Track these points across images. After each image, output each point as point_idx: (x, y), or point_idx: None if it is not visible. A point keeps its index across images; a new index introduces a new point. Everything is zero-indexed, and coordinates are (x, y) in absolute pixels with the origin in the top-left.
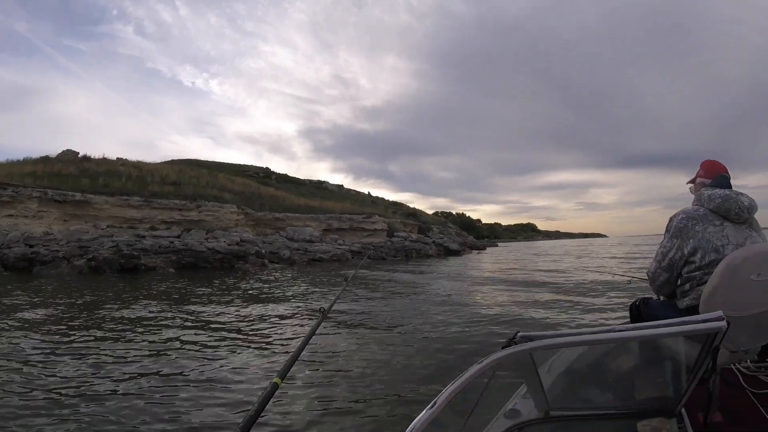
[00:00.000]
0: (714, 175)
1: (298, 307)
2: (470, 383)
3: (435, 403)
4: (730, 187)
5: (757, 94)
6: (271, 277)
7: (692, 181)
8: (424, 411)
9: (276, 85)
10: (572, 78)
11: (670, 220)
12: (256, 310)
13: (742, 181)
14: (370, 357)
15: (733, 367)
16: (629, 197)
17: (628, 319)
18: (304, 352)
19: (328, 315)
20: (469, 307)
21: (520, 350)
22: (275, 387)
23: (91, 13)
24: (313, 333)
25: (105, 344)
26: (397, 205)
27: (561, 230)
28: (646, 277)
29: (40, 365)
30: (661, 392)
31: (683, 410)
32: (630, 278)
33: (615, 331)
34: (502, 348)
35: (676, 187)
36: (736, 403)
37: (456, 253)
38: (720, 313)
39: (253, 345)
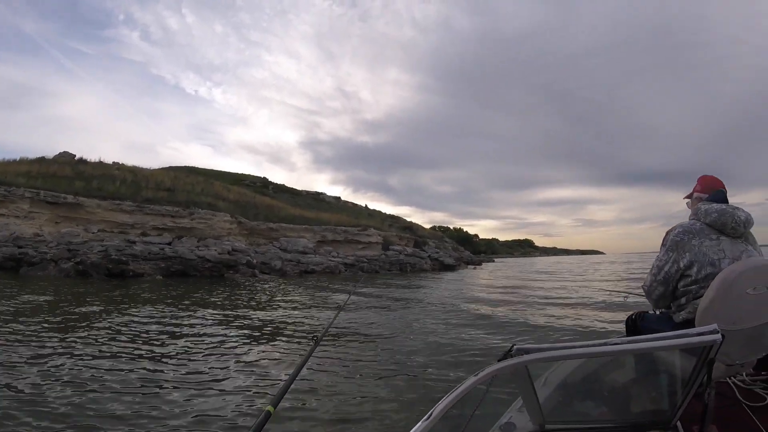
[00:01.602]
0: (711, 190)
1: (288, 325)
2: (466, 396)
3: (431, 414)
4: (726, 201)
5: (756, 112)
6: (260, 289)
7: (689, 196)
8: (419, 422)
9: (278, 95)
10: (572, 93)
11: (667, 233)
12: (245, 326)
13: (740, 199)
14: (365, 384)
15: (729, 381)
16: (627, 214)
17: (625, 333)
18: (297, 377)
19: (321, 342)
20: (461, 327)
21: (516, 363)
22: (268, 415)
23: (97, 16)
24: (305, 361)
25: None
26: (393, 219)
27: (558, 246)
28: (642, 291)
29: None
30: (657, 405)
31: (678, 423)
32: (626, 294)
33: (610, 344)
34: (498, 361)
35: (674, 205)
36: (732, 416)
37: (451, 268)
38: (715, 326)
39: (243, 369)
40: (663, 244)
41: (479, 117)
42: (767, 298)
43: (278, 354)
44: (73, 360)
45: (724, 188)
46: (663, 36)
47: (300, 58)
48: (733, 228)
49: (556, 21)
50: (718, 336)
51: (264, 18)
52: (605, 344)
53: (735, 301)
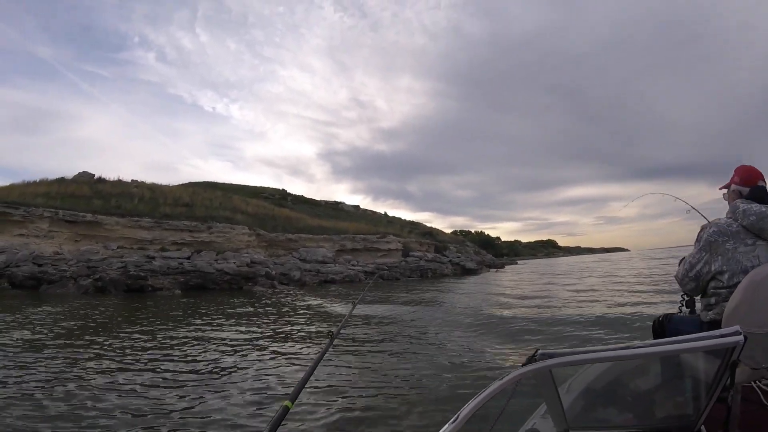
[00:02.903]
0: (750, 183)
1: (306, 328)
2: (492, 400)
3: (457, 417)
4: (767, 199)
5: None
6: (279, 300)
7: (726, 187)
8: (447, 425)
9: (294, 108)
10: (584, 91)
11: (702, 229)
12: (262, 331)
13: None
14: (381, 380)
15: (754, 385)
16: (649, 210)
17: (651, 336)
18: (314, 375)
19: (337, 338)
20: (479, 328)
21: (540, 367)
22: (286, 410)
23: (112, 39)
24: (322, 356)
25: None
26: (413, 225)
27: (582, 245)
28: (676, 282)
29: None
30: (681, 410)
31: (703, 428)
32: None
33: (632, 348)
34: (522, 365)
35: (695, 197)
36: (757, 421)
37: (473, 272)
38: (737, 327)
39: (261, 368)
40: (697, 241)
41: (493, 120)
42: None
43: (295, 354)
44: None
45: (764, 180)
46: (672, 28)
47: (314, 71)
48: None
49: (563, 20)
50: (741, 338)
51: (276, 33)
52: (627, 348)
53: (762, 303)
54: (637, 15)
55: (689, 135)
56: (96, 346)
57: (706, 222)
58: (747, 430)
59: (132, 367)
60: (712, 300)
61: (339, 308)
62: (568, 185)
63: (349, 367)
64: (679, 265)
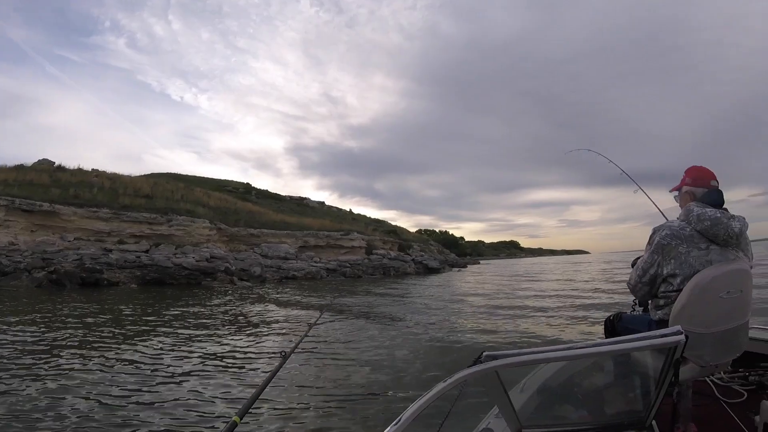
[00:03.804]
0: (703, 184)
1: (261, 333)
2: (438, 402)
3: (400, 419)
4: (722, 201)
5: (740, 112)
6: (236, 297)
7: (677, 189)
8: (389, 427)
9: (265, 101)
10: (557, 98)
11: (654, 232)
12: (212, 336)
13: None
14: (332, 394)
15: (707, 380)
16: (611, 214)
17: (603, 335)
18: (266, 390)
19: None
20: (434, 332)
21: (484, 369)
22: (234, 425)
23: (84, 23)
24: (274, 374)
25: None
26: (378, 223)
27: (544, 247)
28: (627, 288)
29: None
30: (632, 406)
31: (654, 423)
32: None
33: (577, 348)
34: (468, 367)
35: (653, 206)
36: (711, 414)
37: (436, 271)
38: (678, 327)
39: (209, 379)
40: (649, 243)
41: (466, 122)
42: (740, 302)
43: (247, 364)
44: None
45: (717, 180)
46: (647, 41)
47: (286, 64)
48: (725, 240)
49: (541, 27)
50: (682, 337)
51: (251, 24)
52: (571, 348)
53: (707, 304)
54: (614, 25)
55: (660, 143)
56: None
57: (658, 225)
58: (701, 423)
59: (60, 375)
60: (662, 302)
61: (298, 311)
62: (534, 188)
63: (302, 386)
64: (632, 268)
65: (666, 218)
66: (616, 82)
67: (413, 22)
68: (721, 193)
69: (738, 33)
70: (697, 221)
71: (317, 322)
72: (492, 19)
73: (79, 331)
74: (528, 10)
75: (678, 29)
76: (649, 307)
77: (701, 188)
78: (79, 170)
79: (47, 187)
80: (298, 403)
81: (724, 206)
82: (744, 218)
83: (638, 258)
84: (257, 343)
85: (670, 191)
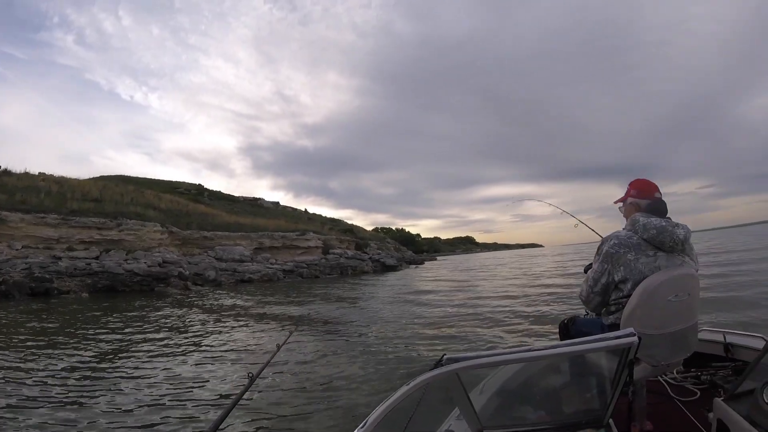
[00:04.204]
0: (647, 196)
1: (218, 349)
2: (401, 404)
3: (366, 422)
4: (666, 211)
5: (685, 109)
6: (190, 303)
7: (622, 200)
8: (356, 430)
9: (216, 99)
10: (508, 96)
11: (602, 242)
12: (171, 350)
13: (672, 188)
14: (304, 415)
15: (661, 379)
16: (564, 208)
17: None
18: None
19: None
20: (390, 340)
21: (446, 371)
22: None
23: (31, 18)
24: (240, 397)
25: None
26: (334, 222)
27: (499, 242)
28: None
29: None
30: (589, 405)
31: (611, 421)
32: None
33: (536, 350)
34: (430, 370)
35: (607, 198)
36: (666, 411)
37: (393, 269)
38: (631, 329)
39: (169, 402)
40: (597, 253)
41: (420, 119)
42: (688, 305)
43: (206, 385)
44: None
45: (660, 192)
46: (594, 40)
47: (238, 62)
48: (671, 246)
49: (492, 28)
50: (635, 339)
51: (203, 21)
52: (531, 350)
53: (656, 308)
54: (562, 25)
55: (606, 140)
56: None
57: (605, 236)
58: (657, 421)
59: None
60: (613, 308)
61: (261, 325)
62: (488, 184)
63: (271, 409)
64: (585, 274)
65: (595, 232)
66: (564, 81)
67: (367, 20)
68: (664, 203)
69: (680, 35)
70: (643, 230)
71: (287, 341)
72: (444, 18)
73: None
74: (478, 11)
75: (622, 31)
76: (602, 312)
77: (645, 199)
78: (26, 174)
79: None
80: (266, 424)
81: (668, 215)
82: (687, 226)
83: (590, 265)
84: (221, 361)
85: (615, 203)
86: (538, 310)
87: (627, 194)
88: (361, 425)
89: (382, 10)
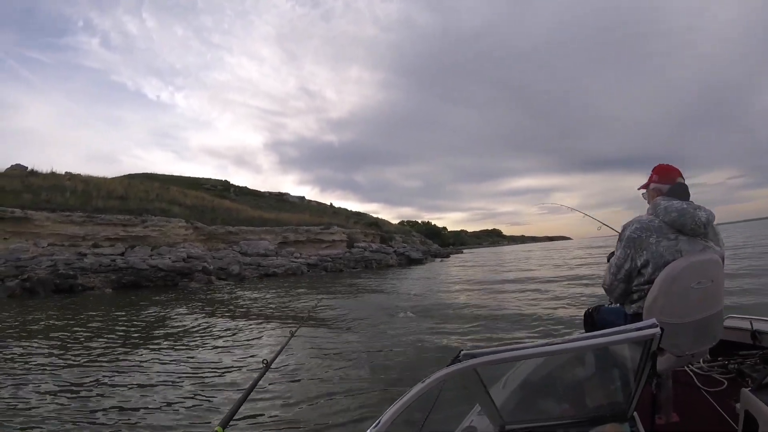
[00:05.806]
0: (669, 180)
1: (239, 340)
2: (417, 403)
3: (379, 421)
4: (688, 195)
5: (712, 97)
6: (212, 298)
7: (645, 187)
8: (369, 429)
9: (241, 97)
10: (530, 86)
11: (623, 228)
12: (191, 343)
13: (700, 179)
14: (315, 407)
15: (687, 369)
16: (591, 200)
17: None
18: (247, 400)
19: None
20: (415, 332)
21: (462, 367)
22: None
23: (55, 24)
24: (256, 383)
25: None
26: (359, 216)
27: (526, 234)
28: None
29: None
30: (613, 398)
31: (635, 414)
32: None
33: (553, 344)
34: (446, 366)
35: (634, 189)
36: (692, 402)
37: (418, 262)
38: (653, 320)
39: (189, 389)
40: (619, 239)
41: (442, 111)
42: (712, 292)
43: (227, 374)
44: None
45: (683, 177)
46: (618, 28)
47: (262, 59)
48: (693, 229)
49: (513, 17)
50: (657, 330)
51: (225, 20)
52: (549, 344)
53: (679, 295)
54: (583, 13)
55: (630, 129)
56: None
57: (627, 221)
58: (683, 412)
59: (33, 387)
60: (635, 296)
61: (279, 314)
62: (514, 176)
63: (288, 389)
64: (606, 271)
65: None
66: (587, 71)
67: (388, 14)
68: (686, 187)
69: (706, 21)
70: (664, 213)
71: (297, 333)
72: (464, 9)
73: (45, 342)
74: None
75: (648, 16)
76: (625, 302)
77: (667, 184)
78: (52, 174)
79: (19, 193)
80: (282, 411)
81: (690, 199)
82: (711, 210)
83: (612, 253)
84: (238, 350)
85: (638, 189)
86: (563, 302)
87: (650, 180)
88: (374, 425)
89: (403, 3)
